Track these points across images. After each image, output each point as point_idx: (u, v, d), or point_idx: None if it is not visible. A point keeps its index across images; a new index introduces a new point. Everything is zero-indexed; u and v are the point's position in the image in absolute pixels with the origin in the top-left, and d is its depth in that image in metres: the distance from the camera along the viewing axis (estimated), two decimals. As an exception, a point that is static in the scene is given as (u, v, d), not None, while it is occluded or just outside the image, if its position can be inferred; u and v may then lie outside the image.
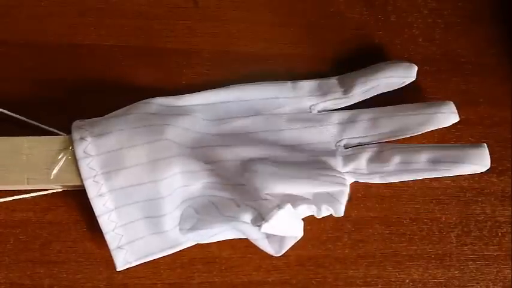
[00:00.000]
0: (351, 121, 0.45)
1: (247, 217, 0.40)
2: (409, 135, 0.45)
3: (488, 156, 0.43)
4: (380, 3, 0.50)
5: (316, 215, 0.43)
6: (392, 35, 0.49)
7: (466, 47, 0.50)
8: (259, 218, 0.39)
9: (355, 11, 0.50)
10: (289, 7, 0.49)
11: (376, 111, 0.46)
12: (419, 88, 0.48)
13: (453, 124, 0.47)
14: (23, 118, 0.43)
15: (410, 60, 0.47)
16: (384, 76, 0.46)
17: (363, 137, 0.45)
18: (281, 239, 0.41)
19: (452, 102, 0.45)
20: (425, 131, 0.45)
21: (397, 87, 0.46)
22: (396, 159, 0.44)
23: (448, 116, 0.45)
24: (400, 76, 0.46)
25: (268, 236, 0.41)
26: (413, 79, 0.46)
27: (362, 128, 0.45)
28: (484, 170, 0.43)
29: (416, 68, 0.46)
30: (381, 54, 0.49)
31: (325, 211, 0.43)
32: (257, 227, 0.39)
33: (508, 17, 0.51)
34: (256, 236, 0.41)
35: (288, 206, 0.40)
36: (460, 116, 0.48)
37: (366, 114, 0.46)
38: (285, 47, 0.48)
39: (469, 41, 0.50)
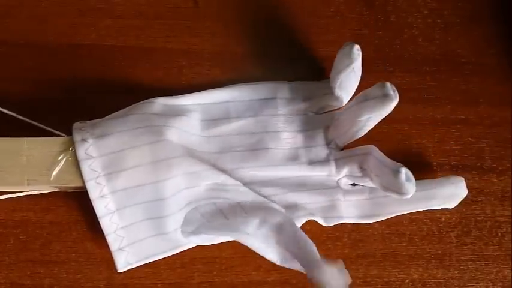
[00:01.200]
0: (333, 121, 0.45)
1: (251, 229, 0.40)
2: (362, 131, 0.44)
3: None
4: (380, 3, 0.50)
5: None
6: (392, 35, 0.49)
7: (466, 47, 0.50)
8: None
9: (355, 11, 0.50)
10: (288, 7, 0.49)
11: (342, 110, 0.45)
12: (419, 88, 0.48)
13: (453, 124, 0.47)
14: (22, 118, 0.43)
15: (410, 60, 0.47)
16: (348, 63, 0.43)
17: (342, 136, 0.45)
18: None
19: (384, 83, 0.41)
20: (367, 121, 0.42)
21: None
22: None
23: (379, 101, 0.41)
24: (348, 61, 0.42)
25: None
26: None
27: (340, 128, 0.45)
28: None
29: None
30: (381, 54, 0.49)
31: (319, 220, 0.44)
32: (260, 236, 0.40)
33: (507, 17, 0.51)
34: (258, 246, 0.41)
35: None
36: (460, 116, 0.48)
37: (339, 113, 0.45)
38: (285, 47, 0.48)
39: (469, 41, 0.50)
